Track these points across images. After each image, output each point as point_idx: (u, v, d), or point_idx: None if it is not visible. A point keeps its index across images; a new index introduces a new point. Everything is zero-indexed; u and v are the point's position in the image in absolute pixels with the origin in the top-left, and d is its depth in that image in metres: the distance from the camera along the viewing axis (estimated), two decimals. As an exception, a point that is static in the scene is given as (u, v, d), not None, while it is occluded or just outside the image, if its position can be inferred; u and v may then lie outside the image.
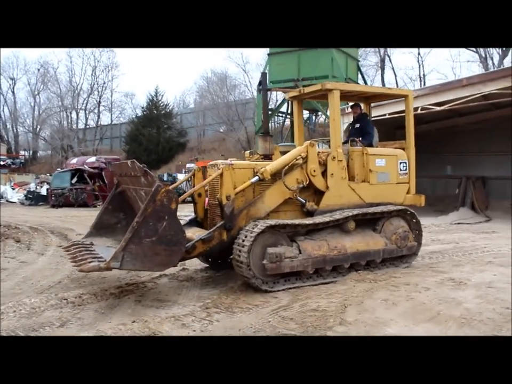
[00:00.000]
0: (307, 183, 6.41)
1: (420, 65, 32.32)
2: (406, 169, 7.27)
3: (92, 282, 6.32)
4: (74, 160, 24.42)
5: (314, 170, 6.43)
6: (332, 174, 6.58)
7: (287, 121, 26.77)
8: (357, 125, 7.74)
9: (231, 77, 36.33)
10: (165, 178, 23.10)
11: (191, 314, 4.92)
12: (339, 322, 4.52)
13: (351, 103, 8.21)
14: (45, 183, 24.64)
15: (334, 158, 6.58)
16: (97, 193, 21.45)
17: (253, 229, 5.75)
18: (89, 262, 5.27)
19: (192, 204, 6.98)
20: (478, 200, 15.60)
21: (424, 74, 32.87)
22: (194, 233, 6.16)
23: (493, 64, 27.93)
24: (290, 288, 5.87)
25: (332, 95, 6.75)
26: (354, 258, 6.40)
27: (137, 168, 5.53)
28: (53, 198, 20.36)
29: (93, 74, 41.70)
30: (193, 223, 6.82)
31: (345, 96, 7.84)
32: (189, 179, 7.36)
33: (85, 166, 22.21)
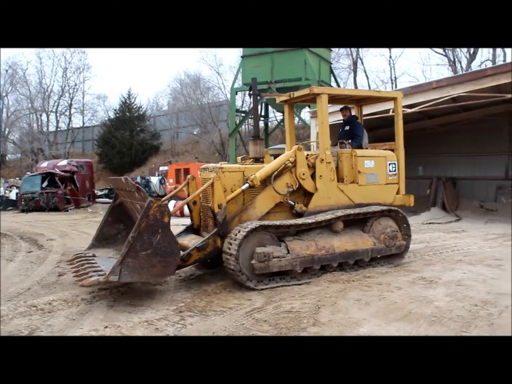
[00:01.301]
0: (297, 186, 6.58)
1: (391, 68, 33.05)
2: (395, 170, 7.42)
3: (62, 288, 6.20)
4: (45, 164, 23.89)
5: (303, 174, 6.60)
6: (321, 176, 6.74)
7: (261, 124, 26.85)
8: (347, 127, 7.86)
9: (204, 79, 36.28)
10: (138, 181, 22.85)
11: (165, 319, 4.87)
12: (312, 323, 4.55)
13: (340, 106, 8.21)
14: (14, 187, 24.09)
15: (322, 160, 6.74)
16: (68, 197, 21.06)
17: (236, 235, 5.92)
18: (90, 277, 5.49)
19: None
20: (448, 200, 15.91)
21: (395, 77, 33.41)
22: (190, 241, 6.40)
23: (461, 67, 28.55)
24: (283, 286, 6.07)
25: (319, 99, 6.90)
26: (343, 257, 6.55)
27: (130, 184, 5.98)
28: (22, 202, 19.89)
29: (64, 75, 40.82)
30: (190, 230, 6.98)
31: (336, 99, 7.98)
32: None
33: (56, 169, 21.74)
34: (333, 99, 7.85)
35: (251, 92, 8.18)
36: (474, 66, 27.74)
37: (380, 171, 7.26)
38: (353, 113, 8.25)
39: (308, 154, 6.93)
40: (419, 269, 6.90)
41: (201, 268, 7.09)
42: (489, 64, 25.79)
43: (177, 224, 10.23)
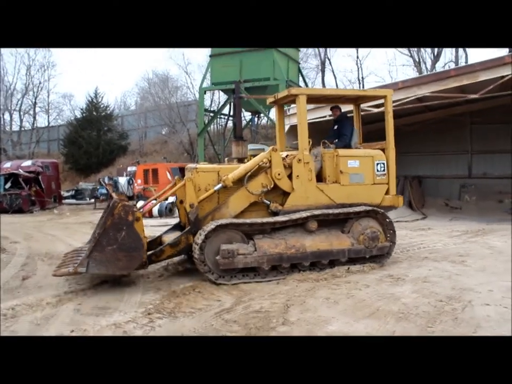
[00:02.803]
0: (271, 186, 6.66)
1: (358, 68, 33.14)
2: (384, 170, 7.25)
3: (27, 292, 6.03)
4: (8, 164, 23.18)
5: (278, 174, 6.68)
6: (298, 176, 6.79)
7: (230, 123, 26.80)
8: (336, 127, 7.87)
9: (173, 78, 35.83)
10: (106, 182, 22.46)
11: (133, 321, 4.80)
12: (282, 323, 4.56)
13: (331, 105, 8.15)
14: (-24, 189, 23.35)
15: (299, 160, 6.79)
16: (33, 198, 20.53)
17: (206, 228, 6.20)
18: (66, 268, 6.04)
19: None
20: (415, 199, 16.25)
21: (362, 77, 33.75)
22: (170, 238, 6.70)
23: (426, 68, 29.14)
24: (248, 282, 6.22)
25: (298, 100, 6.93)
26: (314, 257, 6.55)
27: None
28: (-16, 204, 19.30)
29: (28, 73, 39.77)
30: (177, 227, 7.30)
31: (331, 99, 7.99)
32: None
33: (20, 170, 21.15)
34: (328, 99, 7.95)
35: (234, 95, 8.32)
36: (439, 67, 28.38)
37: (366, 171, 7.14)
38: (351, 113, 8.21)
39: (287, 155, 7.00)
40: (386, 267, 7.00)
41: (169, 270, 7.04)
42: (453, 65, 26.46)
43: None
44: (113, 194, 6.45)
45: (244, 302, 5.36)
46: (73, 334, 4.40)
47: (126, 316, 5.00)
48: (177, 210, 7.36)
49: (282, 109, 8.31)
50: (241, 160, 7.35)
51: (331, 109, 8.13)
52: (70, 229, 13.27)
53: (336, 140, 7.49)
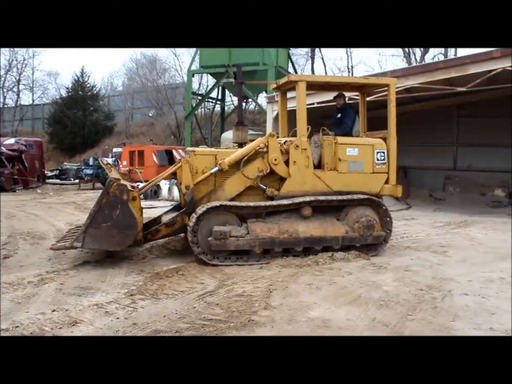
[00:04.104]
0: (268, 171, 6.73)
1: (348, 57, 33.38)
2: (384, 159, 7.14)
3: (7, 271, 5.98)
4: (-10, 142, 22.86)
5: (275, 159, 6.74)
6: (294, 162, 6.81)
7: (218, 107, 26.65)
8: (339, 115, 7.81)
9: (161, 60, 35.36)
10: (91, 163, 22.22)
11: (115, 302, 4.80)
12: (264, 307, 4.59)
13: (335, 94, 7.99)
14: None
15: (297, 146, 6.81)
16: (16, 177, 20.26)
17: (198, 210, 6.38)
18: (62, 242, 6.47)
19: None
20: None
21: (352, 66, 33.80)
22: (167, 218, 6.90)
23: (416, 59, 29.24)
24: (241, 265, 6.34)
25: (297, 87, 6.92)
26: (307, 242, 6.60)
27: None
28: (-35, 182, 19.00)
29: (11, 49, 39.01)
30: (176, 208, 7.46)
31: (336, 86, 7.92)
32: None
33: (2, 148, 20.82)
34: (332, 86, 7.92)
35: (235, 80, 8.25)
36: (428, 59, 28.50)
37: (365, 159, 7.07)
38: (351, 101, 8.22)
39: (286, 141, 7.02)
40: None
41: (153, 252, 7.05)
42: (442, 58, 26.53)
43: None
44: (110, 174, 6.54)
45: (227, 285, 5.38)
46: (55, 314, 4.39)
47: (108, 296, 5.00)
48: (175, 192, 7.59)
49: (285, 95, 8.25)
50: (241, 145, 7.35)
51: (334, 98, 8.02)
52: (53, 209, 13.14)
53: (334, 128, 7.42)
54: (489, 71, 11.14)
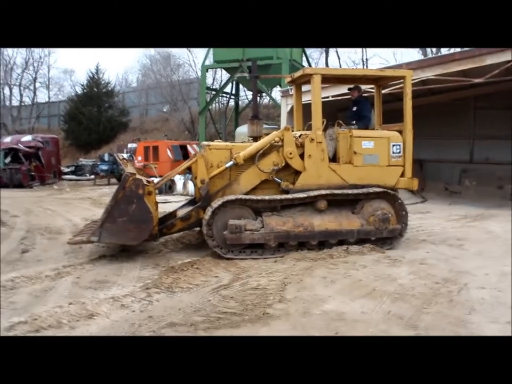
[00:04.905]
0: (283, 165, 6.74)
1: (362, 50, 32.81)
2: (399, 152, 7.11)
3: (26, 266, 6.07)
4: (8, 139, 23.03)
5: (290, 153, 6.74)
6: (310, 155, 6.81)
7: (232, 102, 26.62)
8: (354, 108, 7.80)
9: (175, 56, 35.43)
10: (106, 159, 22.42)
11: (131, 295, 4.85)
12: (278, 300, 4.60)
13: (349, 86, 8.01)
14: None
15: (312, 140, 6.80)
16: (33, 173, 20.49)
17: (214, 204, 6.43)
18: (79, 237, 6.59)
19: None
20: (415, 182, 16.18)
21: (366, 59, 33.41)
22: (183, 212, 6.95)
23: (431, 51, 28.85)
24: (256, 258, 6.36)
25: (312, 80, 6.90)
26: (322, 236, 6.59)
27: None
28: (-16, 179, 19.26)
29: (28, 48, 39.39)
30: (191, 203, 7.51)
31: (351, 79, 7.89)
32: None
33: (19, 145, 21.03)
34: (347, 79, 7.88)
35: (250, 74, 8.26)
36: (444, 50, 28.05)
37: (381, 152, 7.03)
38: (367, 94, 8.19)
39: (301, 134, 7.01)
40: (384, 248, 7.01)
41: (168, 246, 7.10)
42: (458, 49, 26.14)
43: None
44: (126, 169, 6.67)
45: (242, 278, 5.39)
46: (72, 307, 4.45)
47: (124, 289, 5.05)
48: (190, 187, 7.63)
49: (300, 88, 8.22)
50: (256, 139, 7.36)
51: (349, 90, 8.00)
52: (69, 205, 13.29)
53: (354, 122, 7.40)
54: (507, 62, 10.94)
